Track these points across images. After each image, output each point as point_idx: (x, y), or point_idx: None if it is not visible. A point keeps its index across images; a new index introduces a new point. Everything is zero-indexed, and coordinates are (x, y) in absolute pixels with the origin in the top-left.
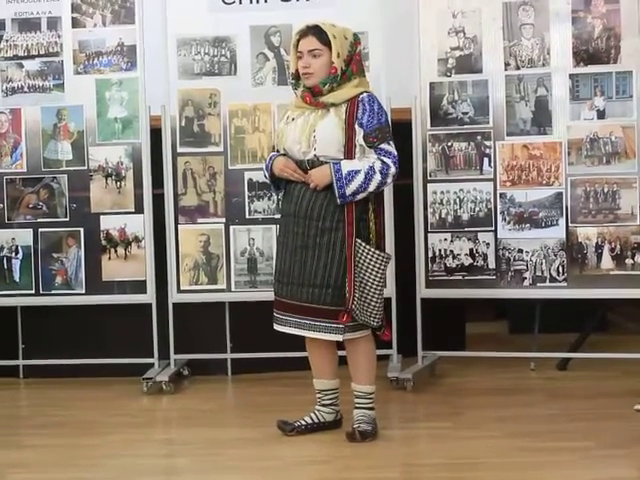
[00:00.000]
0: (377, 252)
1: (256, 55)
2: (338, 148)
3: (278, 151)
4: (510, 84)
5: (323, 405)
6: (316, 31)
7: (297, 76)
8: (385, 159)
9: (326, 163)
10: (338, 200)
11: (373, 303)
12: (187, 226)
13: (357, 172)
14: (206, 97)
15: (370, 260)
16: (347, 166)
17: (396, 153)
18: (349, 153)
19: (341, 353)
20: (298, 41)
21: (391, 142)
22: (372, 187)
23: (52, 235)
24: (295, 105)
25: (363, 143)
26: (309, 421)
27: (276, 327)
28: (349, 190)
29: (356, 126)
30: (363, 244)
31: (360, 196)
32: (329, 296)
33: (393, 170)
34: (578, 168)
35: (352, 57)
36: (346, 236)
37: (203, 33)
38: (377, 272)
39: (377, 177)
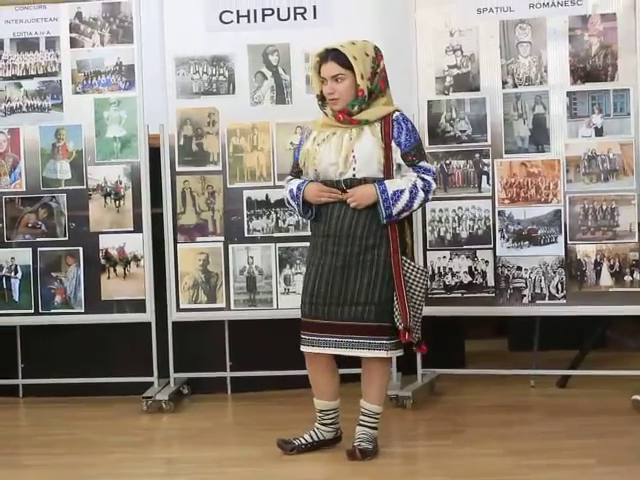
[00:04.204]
0: (421, 268)
1: (254, 74)
2: (378, 167)
3: (300, 172)
4: (508, 102)
5: (323, 424)
6: (336, 55)
7: (323, 97)
8: (425, 176)
9: (364, 181)
10: (384, 220)
11: (416, 318)
12: (186, 245)
13: (402, 192)
14: (204, 116)
15: (415, 276)
16: (392, 186)
17: (434, 169)
18: (388, 172)
19: (342, 371)
20: (319, 65)
21: (427, 159)
22: (416, 205)
23: (51, 254)
24: (322, 124)
25: (402, 162)
26: (309, 439)
27: (308, 349)
28: (395, 210)
29: (393, 144)
30: (408, 261)
31: (404, 215)
32: (372, 313)
33: (434, 186)
34: (576, 185)
35: (376, 73)
36: (392, 253)
37: (201, 52)
38: (422, 288)
39: (420, 195)
